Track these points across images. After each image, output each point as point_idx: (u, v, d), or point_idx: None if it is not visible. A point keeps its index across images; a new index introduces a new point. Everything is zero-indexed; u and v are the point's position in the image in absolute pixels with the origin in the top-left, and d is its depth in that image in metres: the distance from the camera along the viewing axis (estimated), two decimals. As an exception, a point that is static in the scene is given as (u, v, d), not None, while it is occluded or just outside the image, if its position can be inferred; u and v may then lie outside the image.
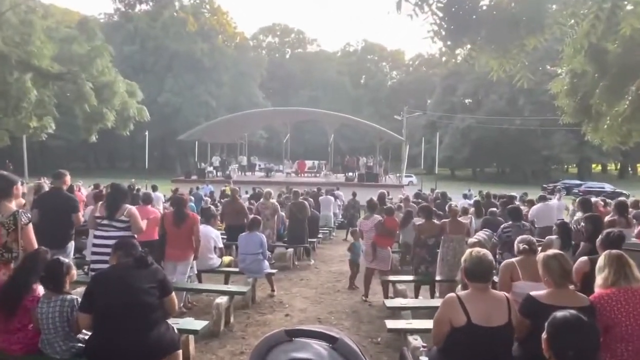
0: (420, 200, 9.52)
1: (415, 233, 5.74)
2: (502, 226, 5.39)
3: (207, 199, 12.01)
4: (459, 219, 5.61)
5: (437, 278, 5.38)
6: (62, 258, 2.87)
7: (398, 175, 26.95)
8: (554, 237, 4.43)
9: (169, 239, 4.84)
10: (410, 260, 6.29)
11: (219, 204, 12.01)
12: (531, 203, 8.49)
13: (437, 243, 5.61)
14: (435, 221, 5.79)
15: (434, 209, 7.90)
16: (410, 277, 5.61)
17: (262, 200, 8.43)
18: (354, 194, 13.03)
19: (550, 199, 9.18)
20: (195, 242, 4.95)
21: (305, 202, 8.47)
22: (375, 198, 6.40)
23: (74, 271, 2.88)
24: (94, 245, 4.24)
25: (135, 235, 4.13)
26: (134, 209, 4.36)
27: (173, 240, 4.84)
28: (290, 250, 8.10)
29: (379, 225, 5.81)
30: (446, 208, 6.04)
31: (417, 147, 45.65)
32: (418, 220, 5.94)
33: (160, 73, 44.71)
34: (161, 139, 44.46)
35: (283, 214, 8.72)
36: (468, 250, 2.47)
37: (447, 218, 5.76)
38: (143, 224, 4.43)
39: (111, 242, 3.97)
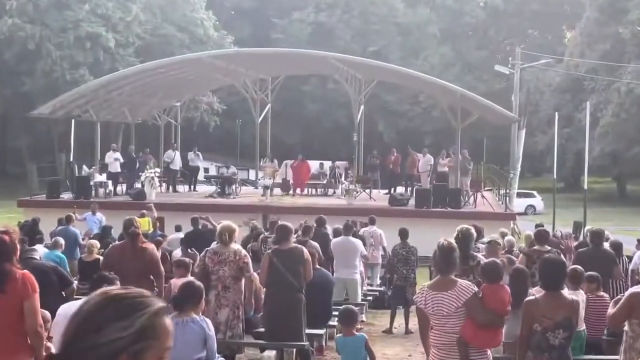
0: (554, 251, 9.47)
1: (523, 318, 5.93)
2: None
3: (90, 244, 12.11)
4: None
5: None
6: None
7: (506, 192, 26.96)
8: None
9: None
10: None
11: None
12: None
13: (569, 339, 5.70)
14: (565, 294, 5.83)
15: (575, 269, 7.94)
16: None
17: (214, 246, 8.56)
18: (404, 234, 13.05)
19: None
20: (32, 333, 4.95)
21: (303, 250, 8.62)
22: (453, 242, 6.33)
23: None
24: None
25: None
26: None
27: None
28: (271, 355, 8.28)
29: (473, 302, 5.81)
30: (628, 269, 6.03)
31: (545, 135, 45.36)
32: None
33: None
34: (-1, 115, 44.94)
35: (257, 276, 8.91)
36: None
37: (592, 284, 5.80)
38: None
39: None
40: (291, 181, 27.46)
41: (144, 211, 17.31)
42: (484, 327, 5.78)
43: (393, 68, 29.23)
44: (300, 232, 12.29)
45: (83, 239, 15.63)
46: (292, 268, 8.26)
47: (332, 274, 11.91)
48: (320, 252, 11.43)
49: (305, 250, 8.64)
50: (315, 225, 13.55)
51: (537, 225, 15.43)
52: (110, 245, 9.74)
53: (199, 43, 45.17)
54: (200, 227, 14.43)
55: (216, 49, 39.92)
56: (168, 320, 2.02)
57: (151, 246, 8.98)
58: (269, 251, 8.78)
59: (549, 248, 9.71)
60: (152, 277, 8.25)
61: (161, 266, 8.53)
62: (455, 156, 25.37)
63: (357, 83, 27.20)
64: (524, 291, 6.79)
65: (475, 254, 8.07)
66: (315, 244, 11.54)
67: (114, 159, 26.04)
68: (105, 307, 1.95)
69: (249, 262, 8.41)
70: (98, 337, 1.89)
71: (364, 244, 13.71)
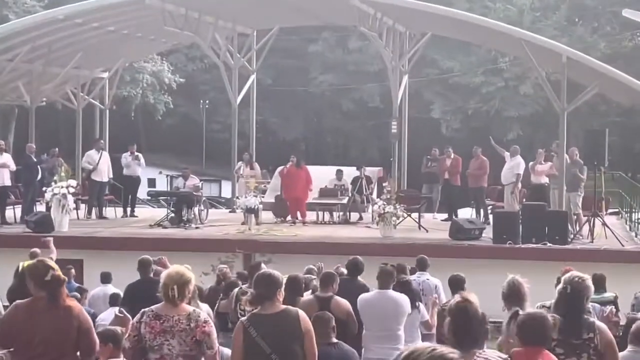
0: None
1: None
2: None
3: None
4: None
5: None
6: None
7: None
8: None
9: None
10: None
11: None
12: None
13: None
14: None
15: None
16: None
17: (160, 306, 8.55)
18: (456, 284, 13.73)
19: None
20: None
21: (299, 316, 8.75)
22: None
23: None
24: None
25: None
26: None
27: None
28: None
29: None
30: None
31: None
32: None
33: None
34: None
35: (227, 353, 9.85)
36: None
37: None
38: None
39: None
40: (286, 202, 27.76)
41: (36, 249, 16.77)
42: None
43: (456, 15, 28.31)
44: (317, 282, 12.62)
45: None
46: (281, 346, 8.34)
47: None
48: (354, 316, 11.80)
49: (302, 315, 8.62)
50: (345, 272, 13.81)
51: None
52: (13, 304, 9.55)
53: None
54: (152, 274, 14.59)
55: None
56: None
57: (78, 306, 8.84)
58: (244, 318, 8.70)
59: None
60: (79, 354, 8.26)
61: (95, 337, 8.48)
62: (560, 158, 25.06)
63: (397, 40, 27.30)
64: None
65: (592, 319, 8.39)
66: (346, 302, 11.78)
67: (1, 165, 25.68)
68: None
69: (212, 332, 8.41)
70: None
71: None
